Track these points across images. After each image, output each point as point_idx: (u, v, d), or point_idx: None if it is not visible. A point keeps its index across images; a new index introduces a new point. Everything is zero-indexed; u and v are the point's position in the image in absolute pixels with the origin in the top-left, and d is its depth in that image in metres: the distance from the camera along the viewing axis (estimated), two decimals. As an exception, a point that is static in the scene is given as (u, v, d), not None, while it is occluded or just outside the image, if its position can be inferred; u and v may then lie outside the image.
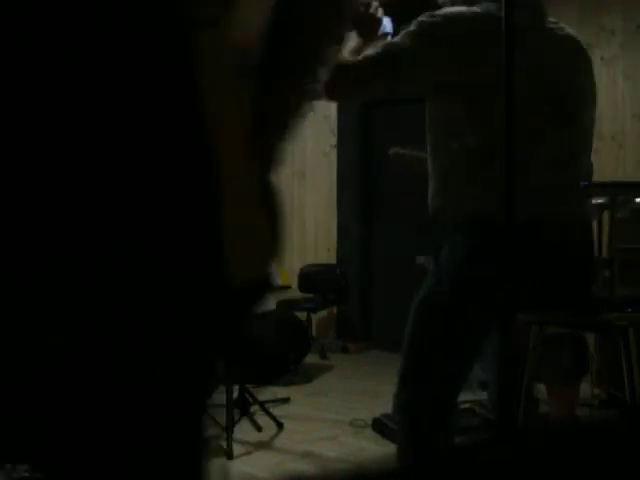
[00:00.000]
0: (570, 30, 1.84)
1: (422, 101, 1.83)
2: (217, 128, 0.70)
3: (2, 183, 0.63)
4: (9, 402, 0.65)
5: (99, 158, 0.65)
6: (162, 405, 0.71)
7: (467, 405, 3.44)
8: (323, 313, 5.96)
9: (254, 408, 3.52)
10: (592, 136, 1.89)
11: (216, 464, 2.88)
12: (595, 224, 2.10)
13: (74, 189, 0.64)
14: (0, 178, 0.63)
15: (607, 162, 4.34)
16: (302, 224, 6.38)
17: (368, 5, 1.89)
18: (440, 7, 1.78)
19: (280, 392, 4.08)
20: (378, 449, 3.03)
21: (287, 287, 3.60)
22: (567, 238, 1.76)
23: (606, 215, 2.77)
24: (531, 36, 1.72)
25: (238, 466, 2.86)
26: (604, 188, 2.06)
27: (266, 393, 3.96)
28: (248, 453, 3.01)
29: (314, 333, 5.86)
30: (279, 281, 4.32)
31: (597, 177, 1.93)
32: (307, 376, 4.69)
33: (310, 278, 5.85)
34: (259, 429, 3.32)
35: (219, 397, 3.48)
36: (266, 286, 0.82)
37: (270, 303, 5.66)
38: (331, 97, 1.87)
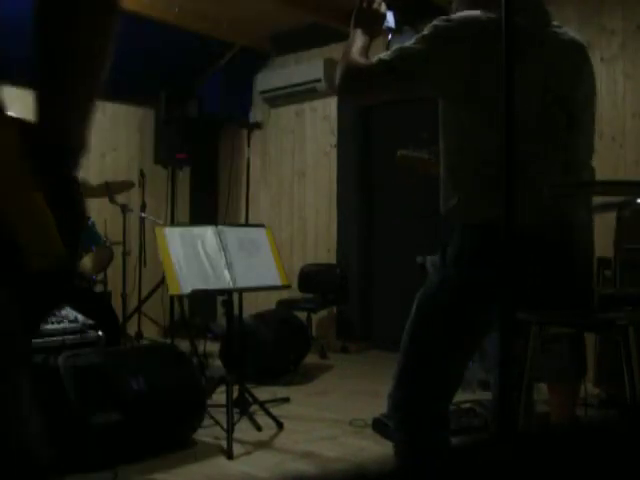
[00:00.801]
0: (573, 34, 1.83)
1: (422, 101, 1.83)
2: None
3: None
4: None
5: None
6: None
7: (467, 405, 3.44)
8: (323, 313, 5.96)
9: (254, 408, 3.52)
10: (594, 140, 1.89)
11: (216, 464, 2.88)
12: (597, 224, 2.09)
13: None
14: None
15: (607, 162, 4.33)
16: (302, 224, 6.38)
17: (371, 1, 1.89)
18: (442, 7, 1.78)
19: (280, 392, 4.08)
20: (378, 449, 3.03)
21: (287, 287, 3.59)
22: (568, 238, 1.76)
23: (608, 215, 2.78)
24: (536, 41, 1.72)
25: (238, 466, 2.86)
26: (608, 187, 2.06)
27: (266, 393, 3.96)
28: (248, 453, 3.01)
29: (314, 333, 5.86)
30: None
31: (597, 177, 1.93)
32: (307, 376, 4.69)
33: (310, 278, 5.85)
34: (259, 429, 3.32)
35: (219, 397, 3.48)
36: (65, 267, 0.86)
37: (270, 303, 5.67)
38: (345, 99, 1.88)
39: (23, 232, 0.79)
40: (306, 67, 6.17)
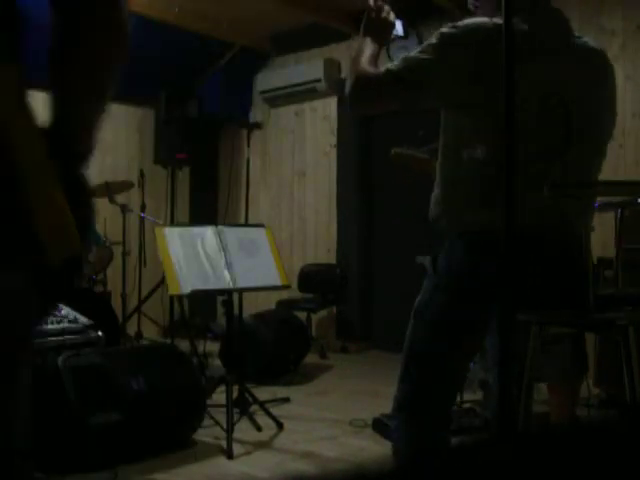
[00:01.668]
0: (594, 43, 1.83)
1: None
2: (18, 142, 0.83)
3: None
4: None
5: None
6: None
7: (467, 405, 3.44)
8: (323, 313, 5.96)
9: (254, 408, 3.52)
10: (606, 150, 1.88)
11: (216, 464, 2.88)
12: (597, 224, 2.10)
13: None
14: None
15: (607, 162, 4.31)
16: (302, 224, 6.38)
17: (380, 10, 1.89)
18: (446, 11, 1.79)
19: (280, 392, 4.08)
20: (378, 449, 3.03)
21: (287, 287, 3.59)
22: (567, 238, 1.77)
23: (609, 215, 2.77)
24: (548, 50, 1.72)
25: (238, 466, 2.86)
26: (609, 187, 2.06)
27: (266, 393, 3.96)
28: (248, 453, 3.01)
29: (314, 333, 5.86)
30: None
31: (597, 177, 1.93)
32: (307, 376, 4.69)
33: (310, 278, 5.85)
34: (259, 429, 3.32)
35: (219, 397, 3.49)
36: (79, 263, 0.93)
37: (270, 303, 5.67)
38: (354, 108, 1.88)
39: (46, 228, 0.84)
40: (306, 67, 6.16)
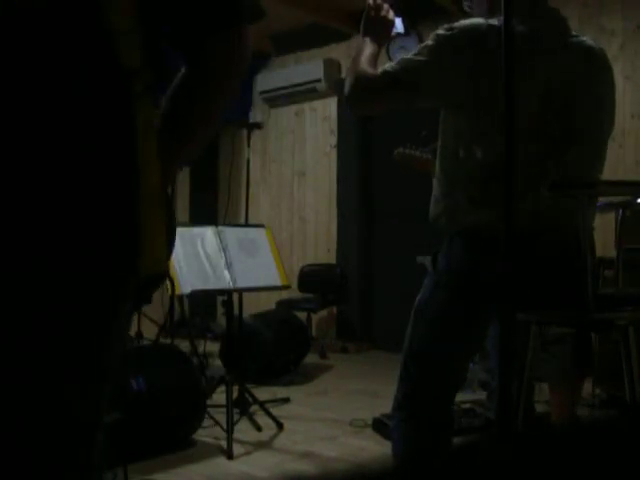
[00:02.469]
0: (592, 42, 1.83)
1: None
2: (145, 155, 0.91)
3: None
4: None
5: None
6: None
7: (467, 405, 3.44)
8: (323, 313, 5.96)
9: (254, 408, 3.52)
10: (605, 150, 1.88)
11: (216, 464, 2.88)
12: (597, 224, 2.10)
13: None
14: None
15: (607, 162, 4.31)
16: (302, 224, 6.38)
17: (379, 8, 1.89)
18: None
19: (280, 392, 4.08)
20: (378, 449, 3.03)
21: (287, 287, 3.59)
22: (567, 238, 1.77)
23: (608, 215, 2.77)
24: (545, 49, 1.72)
25: (238, 466, 2.86)
26: (609, 187, 2.06)
27: (266, 393, 3.96)
28: (248, 453, 3.01)
29: (314, 333, 5.86)
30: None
31: (597, 177, 1.93)
32: (307, 376, 4.69)
33: (310, 278, 5.85)
34: (259, 429, 3.32)
35: (219, 397, 3.48)
36: (162, 279, 0.99)
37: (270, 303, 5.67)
38: (353, 108, 1.89)
39: (148, 243, 0.90)
40: (306, 67, 6.17)
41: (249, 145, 4.19)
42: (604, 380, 3.38)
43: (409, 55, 1.73)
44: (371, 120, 5.98)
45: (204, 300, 6.18)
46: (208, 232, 3.31)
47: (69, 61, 0.84)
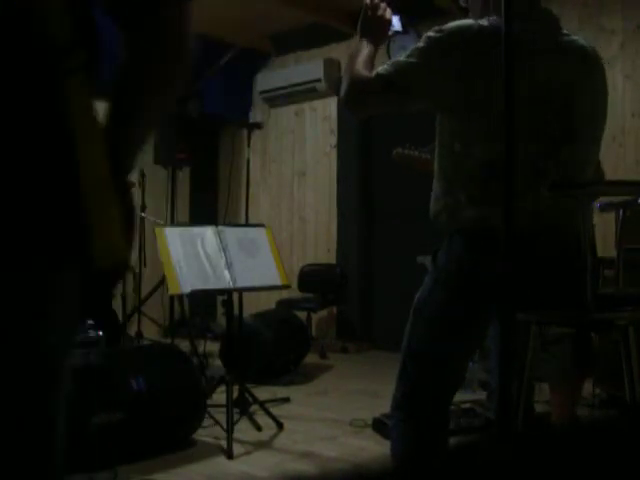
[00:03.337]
0: (583, 41, 1.83)
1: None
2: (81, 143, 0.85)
3: None
4: None
5: None
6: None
7: (467, 405, 3.44)
8: (323, 313, 5.96)
9: (254, 408, 3.52)
10: (599, 148, 1.88)
11: (216, 464, 2.88)
12: (598, 224, 2.10)
13: None
14: None
15: (607, 162, 4.31)
16: (302, 224, 6.38)
17: (375, 8, 1.88)
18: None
19: (280, 392, 4.08)
20: (378, 449, 3.03)
21: (287, 287, 3.59)
22: (566, 238, 1.77)
23: (610, 215, 2.77)
24: (539, 49, 1.72)
25: (238, 466, 2.86)
26: (609, 187, 2.06)
27: (266, 393, 3.96)
28: (248, 453, 3.01)
29: (314, 333, 5.86)
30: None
31: (597, 177, 1.93)
32: (307, 376, 4.69)
33: (310, 278, 5.85)
34: (259, 429, 3.31)
35: (219, 397, 3.48)
36: (123, 269, 0.95)
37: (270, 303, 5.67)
38: (349, 110, 1.90)
39: (101, 236, 0.86)
40: (306, 67, 6.17)
41: (249, 145, 4.18)
42: (604, 380, 3.37)
43: (401, 57, 1.74)
44: (371, 120, 5.98)
45: (204, 300, 6.17)
46: (208, 232, 3.30)
47: None
